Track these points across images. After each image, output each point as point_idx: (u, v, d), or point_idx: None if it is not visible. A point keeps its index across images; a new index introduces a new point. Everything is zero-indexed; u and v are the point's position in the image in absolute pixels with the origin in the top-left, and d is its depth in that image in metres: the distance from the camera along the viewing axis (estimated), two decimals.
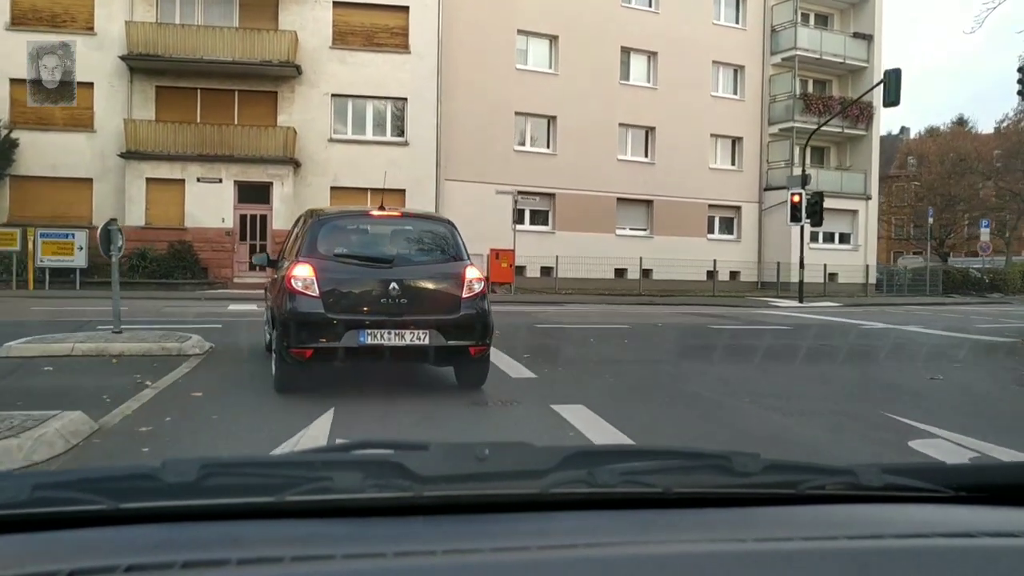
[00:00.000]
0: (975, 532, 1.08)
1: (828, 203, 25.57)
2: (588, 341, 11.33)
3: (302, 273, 6.42)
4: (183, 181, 24.05)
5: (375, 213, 7.20)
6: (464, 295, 6.66)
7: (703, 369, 8.90)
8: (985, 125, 54.03)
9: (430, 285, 6.69)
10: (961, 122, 53.95)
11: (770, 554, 0.99)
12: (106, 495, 1.02)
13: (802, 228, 24.52)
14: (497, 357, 9.02)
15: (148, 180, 23.84)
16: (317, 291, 6.36)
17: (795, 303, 24.19)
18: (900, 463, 1.53)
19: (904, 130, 63.74)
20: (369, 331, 6.35)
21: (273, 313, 7.12)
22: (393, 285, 6.41)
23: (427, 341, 6.44)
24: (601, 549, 0.98)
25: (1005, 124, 45.67)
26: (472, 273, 6.79)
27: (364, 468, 1.11)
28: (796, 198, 23.97)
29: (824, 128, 28.26)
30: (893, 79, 22.28)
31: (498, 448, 1.16)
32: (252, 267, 21.89)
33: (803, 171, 24.78)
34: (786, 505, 1.18)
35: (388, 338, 6.37)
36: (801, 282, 24.78)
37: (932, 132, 54.79)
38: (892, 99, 22.25)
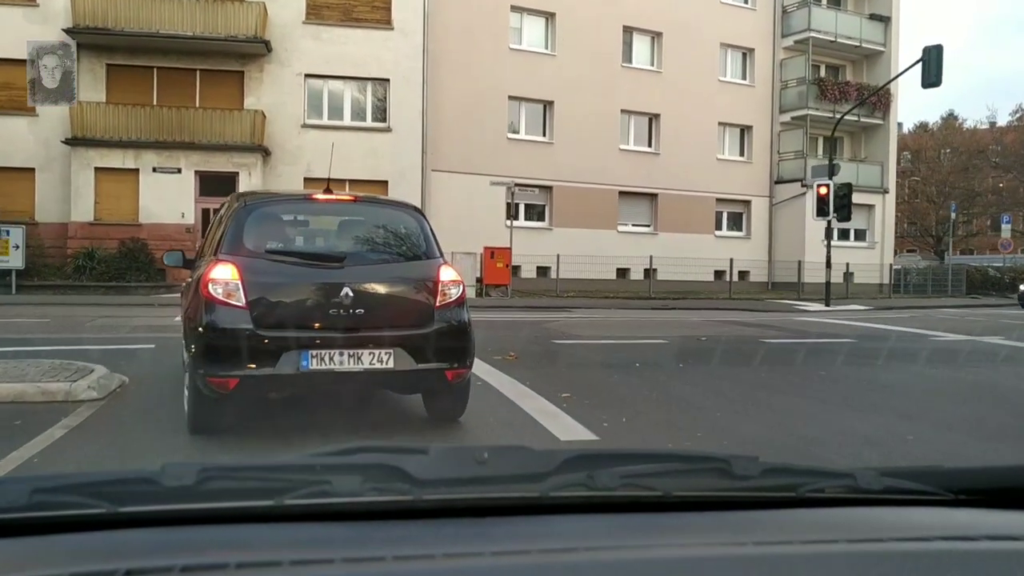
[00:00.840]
0: (975, 535, 1.06)
1: None
2: (633, 366, 8.68)
3: (223, 275, 4.92)
4: (137, 171, 21.52)
5: (320, 197, 5.59)
6: (437, 303, 5.30)
7: (816, 414, 6.40)
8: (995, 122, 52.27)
9: (393, 290, 5.38)
10: (952, 117, 52.77)
11: (770, 558, 0.99)
12: (105, 499, 1.01)
13: (829, 224, 22.18)
14: (522, 397, 6.53)
15: (97, 170, 21.32)
16: (243, 300, 4.90)
17: (822, 307, 21.86)
18: (899, 466, 1.38)
19: (897, 125, 62.07)
20: (314, 352, 4.92)
21: (187, 328, 5.43)
22: (345, 291, 5.04)
23: (391, 364, 5.04)
24: (601, 553, 0.98)
25: (1019, 116, 43.79)
26: (447, 274, 5.43)
27: (363, 472, 1.10)
28: (823, 190, 21.60)
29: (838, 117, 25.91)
30: (934, 56, 20.04)
31: (497, 451, 1.15)
32: None
33: (830, 160, 22.41)
34: (785, 508, 1.16)
35: (339, 361, 4.96)
36: (828, 283, 22.44)
37: (922, 127, 53.43)
38: (933, 79, 19.99)
